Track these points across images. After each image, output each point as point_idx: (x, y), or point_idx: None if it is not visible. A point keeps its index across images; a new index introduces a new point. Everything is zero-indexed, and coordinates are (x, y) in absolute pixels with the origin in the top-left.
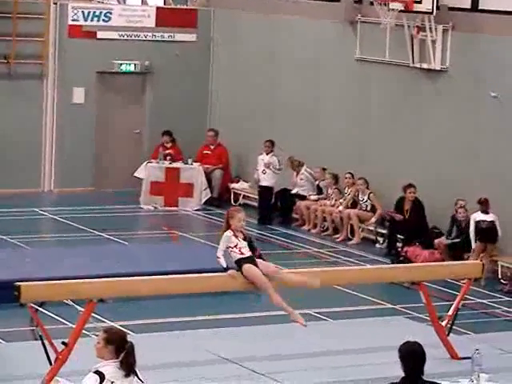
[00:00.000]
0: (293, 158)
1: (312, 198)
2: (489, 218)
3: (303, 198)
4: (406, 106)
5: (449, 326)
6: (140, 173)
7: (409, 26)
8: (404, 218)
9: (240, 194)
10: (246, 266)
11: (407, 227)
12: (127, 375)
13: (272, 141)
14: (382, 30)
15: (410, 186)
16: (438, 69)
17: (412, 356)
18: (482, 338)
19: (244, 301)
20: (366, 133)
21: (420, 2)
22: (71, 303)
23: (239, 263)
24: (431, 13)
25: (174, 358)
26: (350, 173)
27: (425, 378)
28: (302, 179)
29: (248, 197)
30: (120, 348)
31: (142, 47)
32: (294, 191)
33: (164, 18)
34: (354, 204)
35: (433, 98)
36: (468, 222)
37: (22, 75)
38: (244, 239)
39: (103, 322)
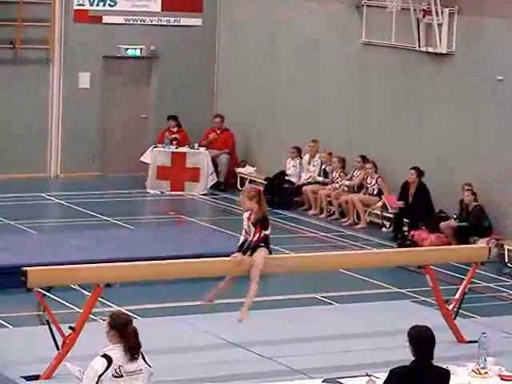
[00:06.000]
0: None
1: (318, 179)
2: None
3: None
4: (411, 92)
5: (455, 309)
6: (146, 157)
7: (415, 10)
8: (409, 203)
9: (246, 179)
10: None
11: (413, 211)
12: (132, 359)
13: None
14: (388, 14)
15: (412, 168)
16: (444, 52)
17: (422, 340)
18: (489, 321)
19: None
20: (366, 117)
21: None
22: (78, 288)
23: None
24: None
25: (180, 342)
26: (361, 156)
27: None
28: (314, 165)
29: (254, 181)
30: (123, 332)
31: (148, 32)
32: (305, 177)
33: (169, 2)
34: (360, 187)
35: (439, 82)
36: (474, 206)
37: (28, 60)
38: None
39: (110, 306)
